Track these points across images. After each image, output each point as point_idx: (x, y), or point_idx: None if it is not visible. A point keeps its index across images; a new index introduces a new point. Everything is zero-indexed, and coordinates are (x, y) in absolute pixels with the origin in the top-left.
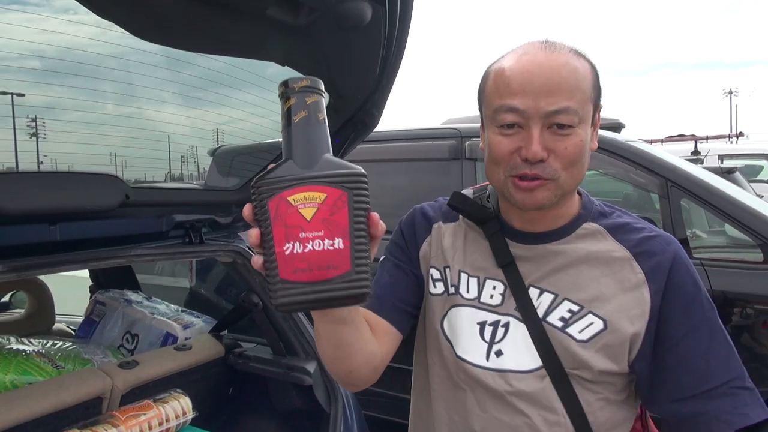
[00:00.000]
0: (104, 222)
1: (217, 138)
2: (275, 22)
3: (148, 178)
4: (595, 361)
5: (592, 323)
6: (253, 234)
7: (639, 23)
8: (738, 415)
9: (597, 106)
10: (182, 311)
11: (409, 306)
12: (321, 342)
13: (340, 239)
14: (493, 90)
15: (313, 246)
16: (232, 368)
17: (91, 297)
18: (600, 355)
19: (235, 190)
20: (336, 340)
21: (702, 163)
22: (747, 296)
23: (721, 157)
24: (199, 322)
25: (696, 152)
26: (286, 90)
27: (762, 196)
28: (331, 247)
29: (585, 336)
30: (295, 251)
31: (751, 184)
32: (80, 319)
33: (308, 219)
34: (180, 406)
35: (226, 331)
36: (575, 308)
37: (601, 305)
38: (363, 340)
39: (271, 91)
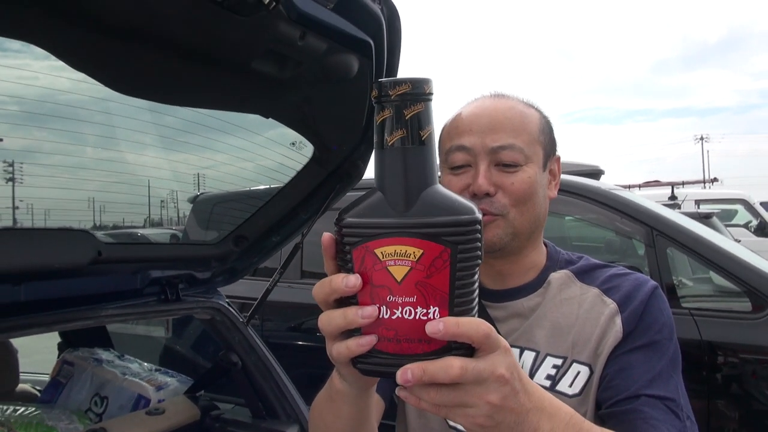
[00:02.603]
0: (73, 280)
1: (199, 183)
2: (260, 75)
3: (127, 224)
4: (591, 413)
5: (579, 372)
6: (351, 281)
7: (613, 71)
8: (666, 430)
9: (550, 153)
10: (156, 370)
11: None
12: (340, 420)
13: (437, 308)
14: (445, 136)
15: (402, 314)
16: None
17: (59, 356)
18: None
19: (214, 244)
20: (362, 415)
21: (679, 208)
22: (737, 346)
23: (698, 202)
24: (174, 383)
25: (673, 197)
26: (379, 96)
27: (739, 240)
28: (424, 317)
29: (577, 388)
30: (380, 316)
31: (727, 228)
32: (47, 378)
33: (398, 280)
34: None
35: (202, 391)
36: (558, 362)
37: (582, 350)
38: (374, 416)
39: (257, 134)
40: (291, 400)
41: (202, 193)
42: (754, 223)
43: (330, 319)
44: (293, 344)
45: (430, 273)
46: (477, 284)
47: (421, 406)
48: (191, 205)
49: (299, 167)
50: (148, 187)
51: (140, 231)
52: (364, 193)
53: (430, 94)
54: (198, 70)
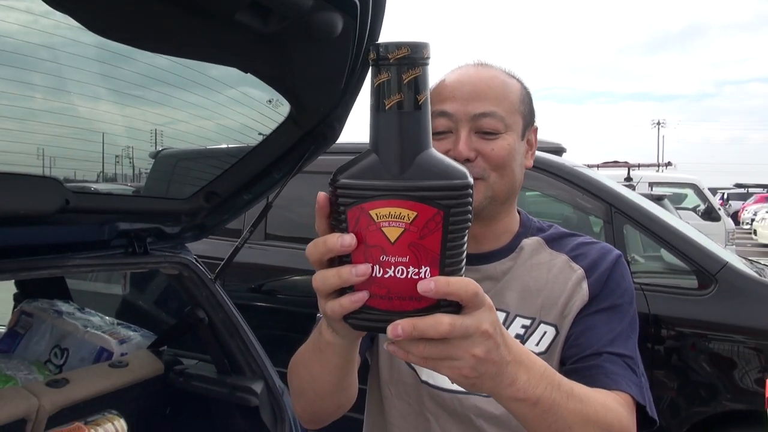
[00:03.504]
0: (39, 228)
1: (156, 140)
2: (242, 28)
3: (87, 180)
4: (555, 369)
5: (545, 332)
6: (346, 241)
7: (578, 52)
8: (626, 384)
9: (529, 124)
10: (119, 324)
11: None
12: (327, 370)
13: (428, 268)
14: None
15: (394, 273)
16: (172, 387)
17: (15, 307)
18: (559, 362)
19: (185, 198)
20: (349, 365)
21: (634, 189)
22: (681, 321)
23: (651, 185)
24: (137, 337)
25: (629, 178)
26: (377, 59)
27: (688, 223)
28: (416, 277)
29: (543, 347)
30: (374, 274)
31: (677, 210)
32: (2, 330)
33: (392, 241)
34: (114, 428)
35: (166, 346)
36: (527, 322)
37: (550, 311)
38: (356, 367)
39: (218, 92)
40: (257, 356)
41: (164, 149)
42: (702, 207)
43: (324, 279)
44: (255, 305)
45: (423, 234)
46: (466, 245)
47: (409, 359)
48: (152, 161)
49: (268, 131)
50: (102, 141)
51: (102, 187)
52: (359, 154)
53: (428, 58)
54: (181, 17)
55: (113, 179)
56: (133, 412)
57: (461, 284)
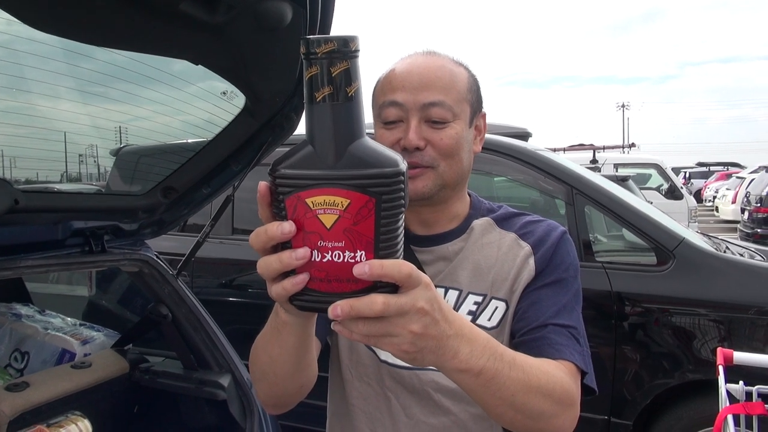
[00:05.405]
0: None
1: (120, 137)
2: (189, 19)
3: (41, 179)
4: (507, 342)
5: (497, 308)
6: (286, 229)
7: (542, 37)
8: (569, 353)
9: (476, 110)
10: (81, 325)
11: None
12: (286, 351)
13: (363, 252)
14: (379, 90)
15: (331, 257)
16: (138, 385)
17: None
18: (510, 335)
19: (141, 194)
20: (306, 344)
21: (599, 171)
22: (642, 297)
23: (616, 166)
24: (101, 337)
25: (594, 161)
26: (307, 53)
27: (651, 202)
28: (352, 260)
29: (494, 321)
30: (312, 259)
31: (641, 190)
32: None
33: (328, 227)
34: (78, 429)
35: (130, 345)
36: (479, 299)
37: (500, 287)
38: (314, 348)
39: (179, 89)
40: (223, 350)
41: (125, 145)
42: (665, 186)
43: (267, 264)
44: (224, 300)
45: (357, 221)
46: (401, 229)
47: (353, 338)
48: (114, 159)
49: (226, 124)
50: (64, 140)
51: (57, 186)
52: (295, 145)
53: (357, 51)
54: (126, 10)
55: (76, 178)
56: (100, 412)
57: (394, 266)
